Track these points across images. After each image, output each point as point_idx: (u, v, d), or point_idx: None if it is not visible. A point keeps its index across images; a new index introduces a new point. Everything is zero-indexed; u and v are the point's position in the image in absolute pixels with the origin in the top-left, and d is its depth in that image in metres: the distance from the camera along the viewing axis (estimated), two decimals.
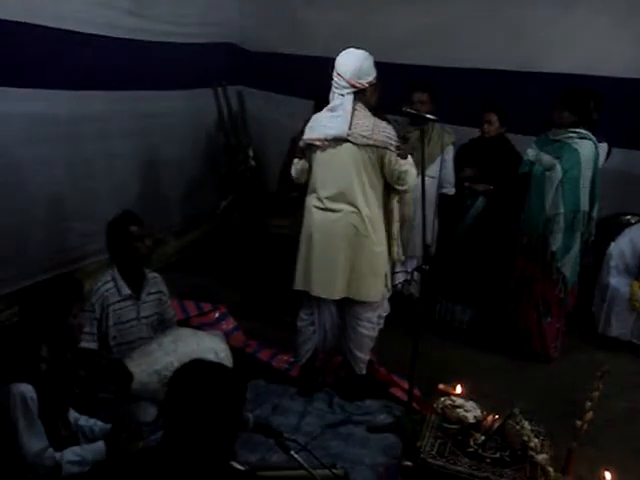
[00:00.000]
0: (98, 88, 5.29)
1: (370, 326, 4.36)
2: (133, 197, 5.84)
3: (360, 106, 4.00)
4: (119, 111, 5.58)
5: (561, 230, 4.87)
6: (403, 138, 4.91)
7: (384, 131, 3.98)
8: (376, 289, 4.23)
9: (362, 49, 3.99)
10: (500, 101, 5.41)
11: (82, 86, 5.11)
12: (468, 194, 5.47)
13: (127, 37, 5.45)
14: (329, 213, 4.11)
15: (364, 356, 4.42)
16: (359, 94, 3.99)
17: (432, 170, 5.17)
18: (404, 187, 4.12)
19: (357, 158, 3.99)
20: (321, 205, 4.13)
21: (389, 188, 4.16)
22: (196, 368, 2.24)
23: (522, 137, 5.45)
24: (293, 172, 4.33)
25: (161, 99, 6.10)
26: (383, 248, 4.20)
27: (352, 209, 4.05)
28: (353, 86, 3.95)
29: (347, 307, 4.32)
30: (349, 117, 3.96)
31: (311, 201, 4.20)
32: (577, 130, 4.81)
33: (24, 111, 4.61)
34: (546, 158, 4.87)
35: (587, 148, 4.81)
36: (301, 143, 4.19)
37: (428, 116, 3.94)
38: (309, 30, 6.32)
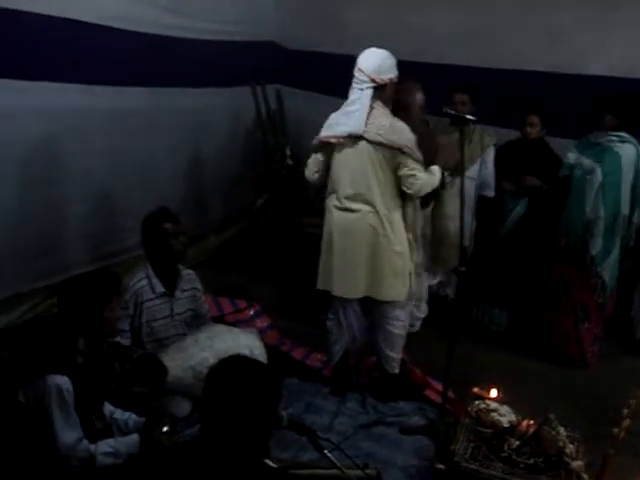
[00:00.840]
0: (138, 84, 5.34)
1: (399, 324, 4.33)
2: (172, 192, 5.86)
3: (378, 104, 3.98)
4: (159, 107, 5.61)
5: (601, 234, 4.82)
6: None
7: (400, 132, 3.95)
8: (397, 289, 4.19)
9: (386, 49, 3.99)
10: (538, 103, 5.35)
11: (121, 82, 5.15)
12: (509, 198, 5.39)
13: (166, 34, 5.49)
14: (348, 213, 4.09)
15: (396, 355, 4.40)
16: (378, 91, 3.96)
17: (472, 171, 5.12)
18: (410, 190, 4.05)
19: (373, 157, 3.97)
20: (340, 205, 4.12)
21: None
22: (234, 364, 2.24)
23: (560, 140, 5.38)
24: (306, 172, 4.34)
25: (200, 96, 6.12)
26: (403, 248, 4.14)
27: (370, 209, 4.03)
28: (373, 81, 3.93)
29: (374, 307, 4.30)
30: (365, 113, 3.94)
31: (331, 201, 4.18)
32: (619, 133, 4.76)
33: (67, 106, 4.66)
34: (586, 162, 4.83)
35: (629, 152, 4.76)
36: (315, 141, 4.17)
37: (468, 117, 3.90)
38: (349, 29, 6.31)
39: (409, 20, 6.02)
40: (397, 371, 4.45)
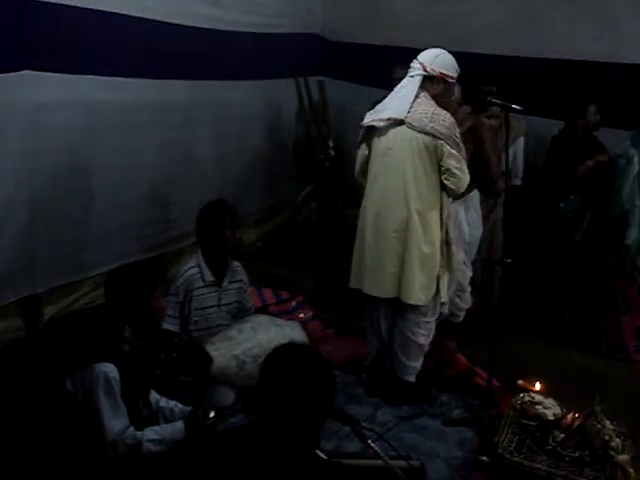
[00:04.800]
0: (179, 77, 5.36)
1: (418, 332, 4.15)
2: (213, 184, 5.91)
3: (425, 95, 3.92)
4: (202, 100, 5.65)
5: (636, 224, 4.73)
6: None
7: (444, 121, 3.86)
8: (426, 293, 4.02)
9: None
10: (584, 92, 5.27)
11: (164, 75, 5.18)
12: (569, 206, 5.18)
13: (207, 27, 5.51)
14: (382, 206, 4.00)
15: (408, 362, 4.22)
16: (427, 81, 3.93)
17: None
18: (452, 185, 3.92)
19: (413, 145, 3.88)
20: (376, 196, 4.04)
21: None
22: (293, 352, 2.23)
23: (607, 130, 5.29)
24: (356, 174, 4.28)
25: (243, 89, 6.16)
26: (433, 250, 3.98)
27: (403, 202, 3.92)
28: (424, 69, 3.91)
29: (400, 308, 4.17)
30: (410, 99, 3.89)
31: (368, 192, 4.11)
32: None
33: (110, 99, 4.70)
34: (632, 151, 4.75)
35: None
36: (362, 131, 4.12)
37: (514, 106, 3.83)
38: (392, 20, 6.28)
39: (453, 10, 5.97)
40: (411, 379, 4.27)
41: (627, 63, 5.44)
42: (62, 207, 4.51)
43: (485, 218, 4.89)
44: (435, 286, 4.06)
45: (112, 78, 4.70)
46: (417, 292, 4.00)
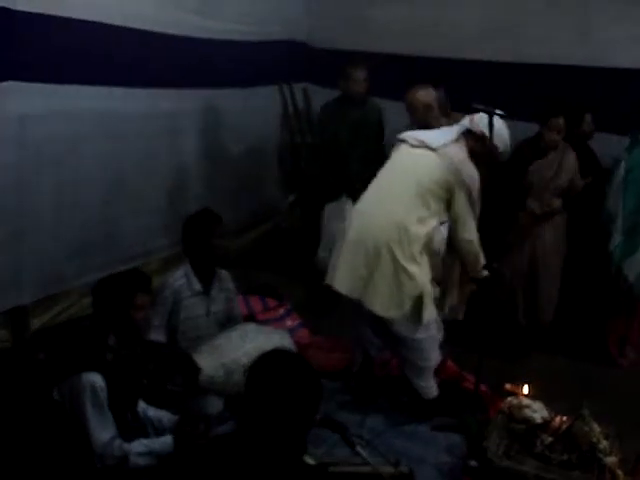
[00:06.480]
0: (165, 86, 5.34)
1: (422, 356, 4.08)
2: (199, 193, 5.92)
3: (463, 143, 4.03)
4: (186, 109, 5.64)
5: (619, 230, 4.73)
6: None
7: (468, 172, 3.96)
8: (395, 308, 3.90)
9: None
10: (567, 97, 5.29)
11: (149, 84, 5.16)
12: None
13: (192, 35, 5.49)
14: (372, 212, 4.01)
15: (418, 382, 4.16)
16: (469, 135, 4.04)
17: None
18: (459, 233, 4.03)
19: (434, 170, 3.93)
20: (371, 201, 4.07)
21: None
22: (279, 358, 2.24)
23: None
24: None
25: (227, 96, 6.14)
26: (413, 269, 3.89)
27: (393, 214, 3.90)
28: (470, 121, 4.03)
29: (390, 332, 4.10)
30: (451, 138, 4.02)
31: (368, 190, 4.12)
32: None
33: (96, 108, 4.68)
34: (622, 157, 4.77)
35: None
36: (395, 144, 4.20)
37: (497, 112, 3.84)
38: (376, 27, 6.27)
39: (438, 17, 5.98)
40: (433, 395, 4.20)
41: (605, 67, 5.47)
42: (47, 218, 4.48)
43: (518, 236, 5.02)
44: (410, 306, 3.91)
45: (98, 87, 4.67)
46: (381, 302, 3.92)
